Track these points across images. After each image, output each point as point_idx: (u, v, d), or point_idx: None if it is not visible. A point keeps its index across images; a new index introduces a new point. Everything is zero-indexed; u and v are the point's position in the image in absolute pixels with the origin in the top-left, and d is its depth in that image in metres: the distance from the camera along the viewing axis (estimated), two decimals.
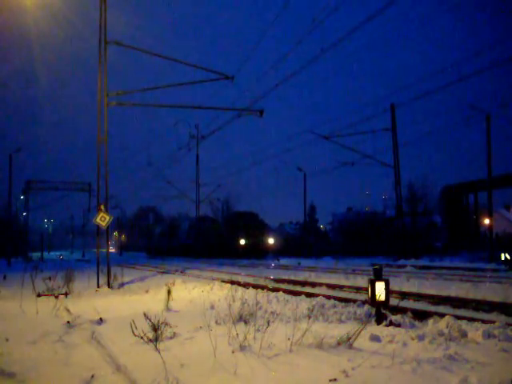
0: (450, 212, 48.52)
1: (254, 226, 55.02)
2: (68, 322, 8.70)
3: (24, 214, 63.00)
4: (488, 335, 6.80)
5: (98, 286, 16.43)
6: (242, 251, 50.95)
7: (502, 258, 24.93)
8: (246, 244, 52.15)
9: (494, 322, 7.54)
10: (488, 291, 12.53)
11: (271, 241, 55.01)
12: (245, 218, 56.04)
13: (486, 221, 36.93)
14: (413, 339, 6.64)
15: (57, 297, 12.55)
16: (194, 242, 60.53)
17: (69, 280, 14.73)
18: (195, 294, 13.74)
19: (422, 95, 28.06)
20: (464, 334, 6.81)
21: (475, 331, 7.05)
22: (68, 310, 9.96)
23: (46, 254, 71.15)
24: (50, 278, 13.93)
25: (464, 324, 7.60)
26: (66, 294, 13.44)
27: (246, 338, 6.31)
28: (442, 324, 7.44)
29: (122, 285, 17.08)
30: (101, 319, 9.01)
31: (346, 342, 6.26)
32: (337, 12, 16.47)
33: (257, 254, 50.81)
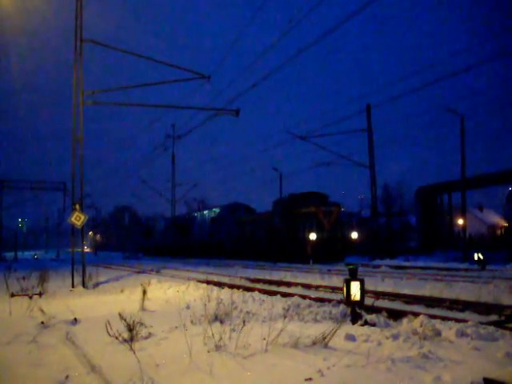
0: (424, 212, 49.13)
1: (328, 212, 36.06)
2: (42, 322, 8.58)
3: None
4: (461, 334, 6.90)
5: (73, 286, 16.23)
6: (312, 250, 33.77)
7: (475, 258, 25.34)
8: (317, 240, 34.24)
9: (466, 321, 7.66)
10: (461, 291, 12.70)
11: (354, 235, 38.58)
12: (311, 201, 36.93)
13: (460, 221, 37.53)
14: (387, 338, 6.69)
15: (31, 297, 12.36)
16: (222, 238, 50.46)
17: (43, 280, 14.54)
18: (170, 293, 13.67)
19: (398, 96, 28.40)
20: (438, 333, 6.90)
21: (449, 330, 7.15)
22: (42, 311, 9.80)
23: (20, 253, 70.05)
24: (23, 278, 13.75)
25: (438, 323, 7.71)
26: (40, 294, 13.24)
27: (221, 337, 6.29)
28: (417, 323, 7.52)
29: (96, 285, 16.91)
30: (75, 319, 8.90)
31: (322, 342, 6.29)
32: (314, 12, 16.53)
33: (332, 254, 34.29)
